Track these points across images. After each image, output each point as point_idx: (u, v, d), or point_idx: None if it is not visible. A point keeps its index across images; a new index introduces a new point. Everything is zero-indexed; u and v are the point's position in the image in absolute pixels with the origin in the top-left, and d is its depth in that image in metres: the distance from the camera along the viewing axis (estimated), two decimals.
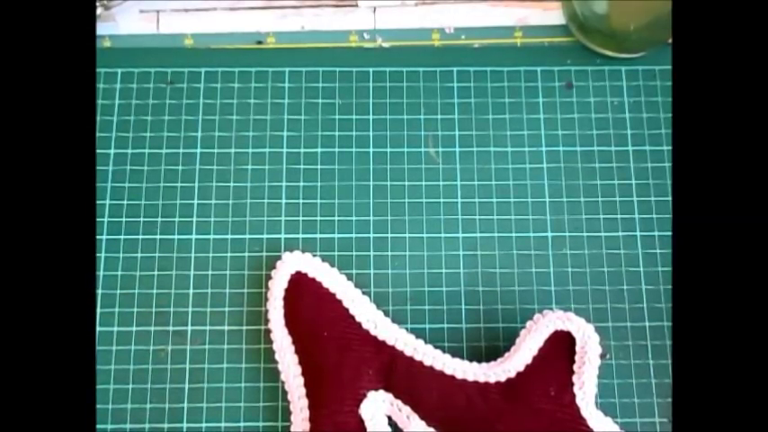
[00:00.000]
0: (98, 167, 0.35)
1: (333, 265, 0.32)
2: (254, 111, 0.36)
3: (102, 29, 0.37)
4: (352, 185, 0.35)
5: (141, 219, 0.34)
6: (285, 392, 0.31)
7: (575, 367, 0.29)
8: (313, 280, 0.31)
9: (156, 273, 0.34)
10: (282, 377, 0.31)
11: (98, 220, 0.34)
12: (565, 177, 0.35)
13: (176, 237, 0.34)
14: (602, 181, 0.35)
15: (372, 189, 0.35)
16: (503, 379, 0.29)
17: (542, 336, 0.29)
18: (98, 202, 0.34)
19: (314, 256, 0.32)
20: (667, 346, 0.33)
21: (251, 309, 0.33)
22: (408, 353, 0.30)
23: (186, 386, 0.32)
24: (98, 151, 0.35)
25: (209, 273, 0.34)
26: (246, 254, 0.34)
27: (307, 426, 0.29)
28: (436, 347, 0.30)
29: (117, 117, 0.36)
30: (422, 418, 0.29)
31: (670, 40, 0.36)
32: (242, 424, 0.32)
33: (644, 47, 0.36)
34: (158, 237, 0.34)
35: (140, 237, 0.34)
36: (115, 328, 0.33)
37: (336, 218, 0.34)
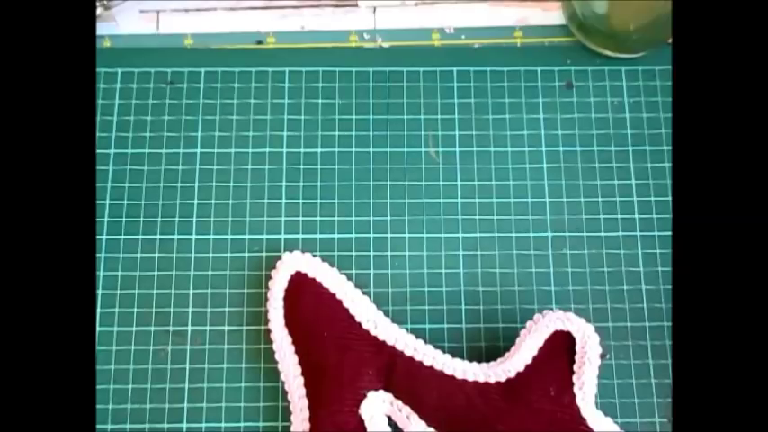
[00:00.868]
0: (98, 167, 0.35)
1: (333, 265, 0.32)
2: (254, 111, 0.36)
3: (102, 29, 0.37)
4: (352, 185, 0.35)
5: (141, 219, 0.34)
6: (285, 392, 0.31)
7: (575, 367, 0.29)
8: (313, 280, 0.31)
9: (156, 273, 0.34)
10: (282, 377, 0.31)
11: (98, 220, 0.34)
12: (565, 177, 0.35)
13: (176, 237, 0.34)
14: (602, 181, 0.35)
15: (372, 189, 0.35)
16: (503, 379, 0.29)
17: (542, 336, 0.29)
18: (98, 202, 0.34)
19: (314, 256, 0.32)
20: (667, 346, 0.33)
21: (251, 309, 0.33)
22: (408, 353, 0.30)
23: (186, 386, 0.32)
24: (98, 151, 0.35)
25: (209, 273, 0.34)
26: (246, 254, 0.34)
27: (307, 426, 0.29)
28: (436, 347, 0.30)
29: (117, 117, 0.36)
30: (422, 418, 0.29)
31: (670, 40, 0.36)
32: (242, 424, 0.32)
33: (644, 47, 0.36)
34: (158, 237, 0.34)
35: (140, 237, 0.34)
36: (115, 328, 0.33)
37: (336, 218, 0.34)
